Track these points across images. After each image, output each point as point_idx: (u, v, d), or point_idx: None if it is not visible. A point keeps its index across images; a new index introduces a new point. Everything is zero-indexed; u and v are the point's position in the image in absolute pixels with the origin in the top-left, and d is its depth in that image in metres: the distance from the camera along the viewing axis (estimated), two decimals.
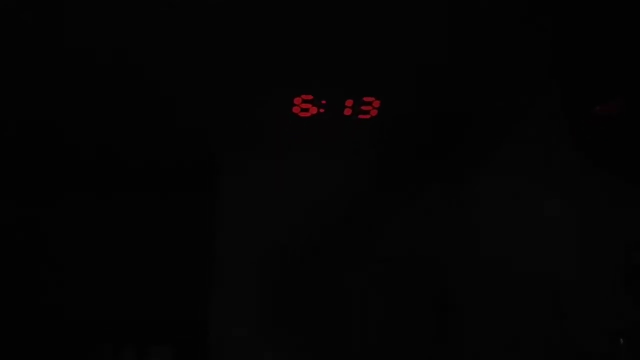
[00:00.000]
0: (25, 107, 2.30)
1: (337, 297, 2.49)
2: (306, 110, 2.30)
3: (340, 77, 2.13)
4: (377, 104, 2.27)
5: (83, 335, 2.77)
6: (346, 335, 2.45)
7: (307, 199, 2.58)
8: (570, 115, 1.91)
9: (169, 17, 1.81)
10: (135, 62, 2.02)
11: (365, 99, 2.25)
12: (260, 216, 2.58)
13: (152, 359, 2.70)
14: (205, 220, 2.77)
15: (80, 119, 2.38)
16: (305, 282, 2.51)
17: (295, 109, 2.30)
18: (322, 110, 2.30)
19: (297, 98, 2.24)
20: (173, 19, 1.82)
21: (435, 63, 2.06)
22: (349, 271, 2.52)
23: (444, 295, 2.50)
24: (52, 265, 2.95)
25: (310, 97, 2.23)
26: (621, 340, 1.56)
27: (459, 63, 2.06)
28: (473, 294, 2.43)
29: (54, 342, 2.75)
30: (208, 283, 2.53)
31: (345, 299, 2.49)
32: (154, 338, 2.76)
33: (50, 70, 2.07)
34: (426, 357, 2.44)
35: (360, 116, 2.35)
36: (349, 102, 2.27)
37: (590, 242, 1.93)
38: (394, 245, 2.56)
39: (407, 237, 2.56)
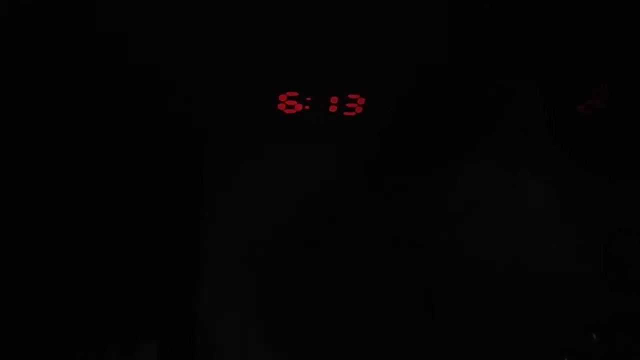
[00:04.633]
0: (20, 92, 2.29)
1: (326, 288, 2.52)
2: (291, 107, 2.32)
3: (324, 74, 2.15)
4: (361, 101, 2.30)
5: (65, 327, 2.77)
6: (335, 325, 2.49)
7: (294, 191, 2.60)
8: (552, 113, 1.93)
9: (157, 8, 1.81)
10: (119, 50, 2.02)
11: (350, 96, 2.28)
12: (249, 207, 2.59)
13: (137, 353, 2.72)
14: (192, 210, 2.77)
15: (70, 103, 2.37)
16: (294, 273, 2.54)
17: (281, 106, 2.32)
18: (307, 107, 2.32)
19: (283, 95, 2.26)
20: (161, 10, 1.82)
21: (421, 56, 2.08)
22: (339, 261, 2.55)
23: (430, 280, 2.54)
24: (32, 256, 2.92)
25: (295, 94, 2.26)
26: (594, 335, 1.61)
27: (446, 57, 2.08)
28: (457, 281, 2.48)
29: (34, 335, 2.75)
30: (195, 275, 2.55)
31: (335, 289, 2.52)
32: (139, 331, 2.77)
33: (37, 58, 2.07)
34: (414, 341, 2.49)
35: (346, 113, 2.38)
36: (334, 99, 2.29)
37: (572, 231, 1.97)
38: (381, 233, 2.58)
39: (394, 226, 2.59)
